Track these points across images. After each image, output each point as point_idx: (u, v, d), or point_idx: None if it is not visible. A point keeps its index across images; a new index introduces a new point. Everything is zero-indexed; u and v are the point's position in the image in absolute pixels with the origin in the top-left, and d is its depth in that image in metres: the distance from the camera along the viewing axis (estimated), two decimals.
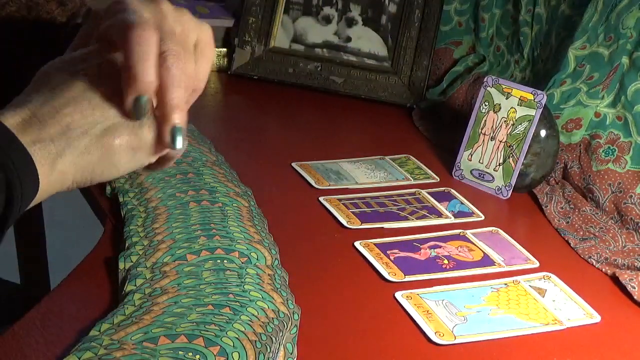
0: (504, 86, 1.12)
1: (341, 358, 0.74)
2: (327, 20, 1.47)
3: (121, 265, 0.81)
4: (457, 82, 1.40)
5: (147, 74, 0.56)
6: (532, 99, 1.09)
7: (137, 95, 0.56)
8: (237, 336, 0.68)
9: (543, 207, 1.08)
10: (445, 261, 0.92)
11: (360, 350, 0.75)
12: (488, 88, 1.14)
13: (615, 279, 0.92)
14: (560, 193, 1.12)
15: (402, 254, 0.92)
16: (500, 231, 1.00)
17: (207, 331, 0.68)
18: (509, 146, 1.11)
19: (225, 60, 1.49)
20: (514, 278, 0.90)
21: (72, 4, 0.82)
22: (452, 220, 1.02)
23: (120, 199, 0.94)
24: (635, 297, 0.88)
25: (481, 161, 1.13)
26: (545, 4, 1.31)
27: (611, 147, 1.11)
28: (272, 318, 0.73)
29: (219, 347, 0.67)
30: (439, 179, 1.15)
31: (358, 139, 1.33)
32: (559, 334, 0.81)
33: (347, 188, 1.09)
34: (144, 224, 0.88)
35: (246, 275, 0.79)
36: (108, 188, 0.98)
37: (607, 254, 0.96)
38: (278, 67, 1.47)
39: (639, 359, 0.79)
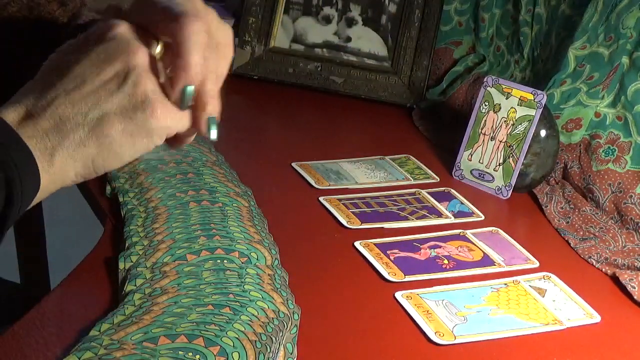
0: (504, 86, 1.12)
1: (341, 358, 0.74)
2: (327, 20, 1.47)
3: (121, 265, 0.81)
4: (457, 82, 1.40)
5: (199, 65, 0.57)
6: (532, 99, 1.09)
7: (187, 84, 0.57)
8: (237, 336, 0.68)
9: (543, 207, 1.08)
10: (445, 261, 0.92)
11: (360, 350, 0.75)
12: (488, 88, 1.13)
13: (615, 279, 0.92)
14: (560, 193, 1.12)
15: (402, 254, 0.92)
16: (500, 231, 1.00)
17: (207, 331, 0.68)
18: (509, 146, 1.11)
19: None
20: (514, 278, 0.90)
21: (72, 4, 0.82)
22: (452, 220, 1.02)
23: (120, 199, 0.94)
24: (635, 297, 0.88)
25: (481, 161, 1.13)
26: (545, 4, 1.31)
27: (611, 147, 1.11)
28: (272, 318, 0.73)
29: (219, 347, 0.67)
30: (439, 179, 1.15)
31: (358, 139, 1.33)
32: (559, 334, 0.81)
33: (347, 188, 1.09)
34: (144, 224, 0.88)
35: (246, 275, 0.79)
36: (108, 188, 0.98)
37: (607, 254, 0.96)
38: (278, 67, 1.47)
39: (639, 359, 0.79)
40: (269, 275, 0.81)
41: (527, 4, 1.34)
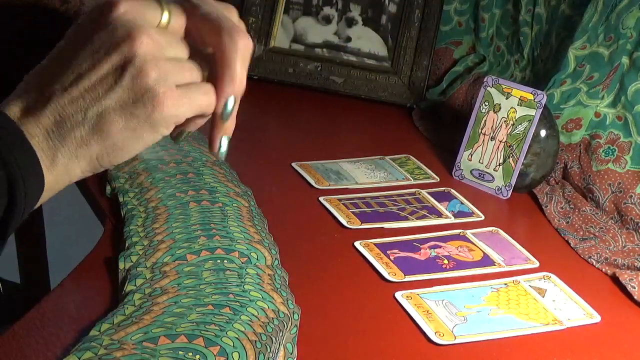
0: (504, 86, 1.12)
1: (341, 358, 0.74)
2: (327, 20, 1.47)
3: (121, 265, 0.81)
4: (457, 82, 1.39)
5: (244, 79, 0.58)
6: (532, 99, 1.09)
7: (233, 95, 0.57)
8: (237, 336, 0.68)
9: (543, 207, 1.08)
10: (445, 261, 0.92)
11: (360, 350, 0.75)
12: (488, 88, 1.13)
13: (615, 279, 0.92)
14: (560, 193, 1.12)
15: (402, 254, 0.92)
16: (500, 231, 1.00)
17: (207, 331, 0.68)
18: (509, 146, 1.11)
19: None
20: (514, 278, 0.90)
21: (74, 1, 0.82)
22: (452, 220, 1.02)
23: (120, 199, 0.94)
24: (635, 297, 0.88)
25: (481, 161, 1.13)
26: (545, 4, 1.31)
27: (611, 147, 1.11)
28: (272, 318, 0.73)
29: (219, 347, 0.67)
30: (439, 179, 1.15)
31: (358, 139, 1.33)
32: (559, 334, 0.81)
33: (347, 188, 1.09)
34: (144, 224, 0.88)
35: (246, 275, 0.79)
36: (108, 188, 0.98)
37: (607, 254, 0.96)
38: (278, 67, 1.47)
39: (639, 359, 0.79)
40: (269, 275, 0.81)
41: (527, 4, 1.34)
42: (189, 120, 0.59)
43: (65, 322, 0.74)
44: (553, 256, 0.96)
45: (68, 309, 0.76)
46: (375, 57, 1.46)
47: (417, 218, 1.02)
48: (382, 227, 0.98)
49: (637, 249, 0.99)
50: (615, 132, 1.12)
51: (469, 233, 0.99)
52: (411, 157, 1.21)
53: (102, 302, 0.77)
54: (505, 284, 0.88)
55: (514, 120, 1.10)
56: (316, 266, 0.89)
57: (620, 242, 1.01)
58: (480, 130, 1.14)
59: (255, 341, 0.68)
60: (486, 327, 0.80)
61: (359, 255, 0.92)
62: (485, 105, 1.14)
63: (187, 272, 0.79)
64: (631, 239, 1.02)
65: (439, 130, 1.32)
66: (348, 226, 0.97)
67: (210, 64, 0.59)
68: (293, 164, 1.14)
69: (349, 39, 1.46)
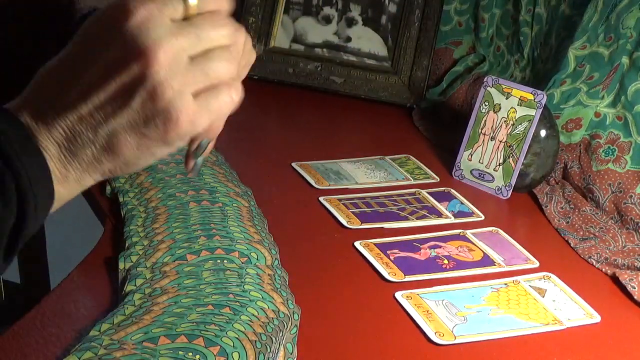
0: (504, 86, 1.12)
1: (341, 358, 0.74)
2: (327, 20, 1.47)
3: (121, 265, 0.81)
4: (457, 82, 1.39)
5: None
6: (532, 99, 1.09)
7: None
8: (237, 336, 0.68)
9: (543, 207, 1.08)
10: (445, 261, 0.92)
11: (360, 350, 0.75)
12: (488, 88, 1.13)
13: (615, 279, 0.92)
14: (560, 193, 1.12)
15: (402, 254, 0.92)
16: (500, 231, 1.00)
17: (207, 331, 0.68)
18: (509, 146, 1.11)
19: None
20: (514, 278, 0.90)
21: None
22: (452, 220, 1.02)
23: (120, 199, 0.94)
24: (635, 297, 0.88)
25: (481, 161, 1.13)
26: (545, 4, 1.31)
27: (611, 147, 1.11)
28: (272, 318, 0.73)
29: (219, 347, 0.67)
30: (439, 179, 1.15)
31: (358, 139, 1.33)
32: (559, 334, 0.81)
33: (347, 188, 1.09)
34: (144, 224, 0.88)
35: (246, 275, 0.79)
36: (108, 188, 0.98)
37: (607, 254, 0.96)
38: (278, 67, 1.47)
39: (639, 359, 0.79)
40: (269, 275, 0.81)
41: (527, 4, 1.34)
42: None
43: (65, 322, 0.74)
44: (553, 256, 0.96)
45: (68, 309, 0.76)
46: (375, 57, 1.46)
47: (417, 218, 1.02)
48: (382, 227, 0.98)
49: (637, 249, 0.99)
50: (615, 132, 1.12)
51: (469, 233, 0.99)
52: (411, 157, 1.21)
53: (102, 302, 0.77)
54: (505, 284, 0.88)
55: (514, 120, 1.10)
56: (316, 266, 0.89)
57: (620, 242, 1.01)
58: (480, 130, 1.14)
59: (255, 341, 0.68)
60: (486, 327, 0.80)
61: (359, 255, 0.92)
62: (485, 105, 1.14)
63: (187, 272, 0.79)
64: (631, 239, 1.02)
65: (439, 130, 1.32)
66: (348, 226, 0.97)
67: None
68: (293, 164, 1.14)
69: (349, 39, 1.46)
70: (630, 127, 1.10)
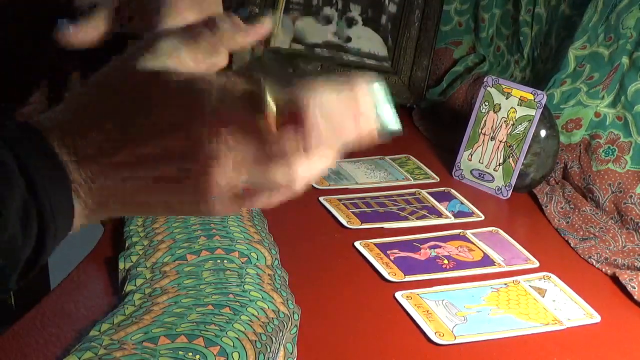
0: (504, 86, 1.12)
1: (341, 358, 0.74)
2: (327, 20, 1.47)
3: (121, 265, 0.81)
4: (457, 82, 1.39)
5: None
6: (532, 99, 1.09)
7: None
8: (237, 336, 0.68)
9: (543, 207, 1.08)
10: (445, 261, 0.92)
11: (360, 350, 0.75)
12: (488, 88, 1.13)
13: (615, 279, 0.92)
14: (560, 193, 1.12)
15: (402, 254, 0.92)
16: (500, 231, 1.00)
17: (207, 331, 0.68)
18: (509, 146, 1.11)
19: None
20: (514, 278, 0.90)
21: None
22: (452, 220, 1.02)
23: None
24: (635, 297, 0.88)
25: (481, 161, 1.13)
26: (545, 4, 1.31)
27: (611, 147, 1.11)
28: (272, 318, 0.73)
29: (219, 347, 0.67)
30: (439, 179, 1.15)
31: None
32: (559, 334, 0.81)
33: (347, 188, 1.09)
34: (144, 224, 0.88)
35: (246, 275, 0.79)
36: None
37: (607, 254, 0.96)
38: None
39: (639, 359, 0.79)
40: (269, 275, 0.81)
41: (527, 4, 1.34)
42: None
43: (65, 322, 0.74)
44: (553, 256, 0.96)
45: (68, 309, 0.76)
46: (375, 57, 1.46)
47: (417, 218, 1.02)
48: (382, 227, 0.98)
49: (637, 249, 0.99)
50: (615, 132, 1.12)
51: (469, 233, 0.99)
52: (411, 157, 1.21)
53: (102, 302, 0.77)
54: (505, 284, 0.88)
55: (514, 120, 1.10)
56: (316, 266, 0.89)
57: (620, 242, 1.01)
58: (480, 130, 1.14)
59: (255, 341, 0.68)
60: (486, 327, 0.80)
61: (359, 255, 0.92)
62: (485, 105, 1.14)
63: (187, 272, 0.79)
64: (631, 239, 1.01)
65: (439, 130, 1.32)
66: (348, 226, 0.97)
67: None
68: None
69: (349, 39, 1.46)
70: (630, 127, 1.10)
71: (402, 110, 1.42)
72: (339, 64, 1.46)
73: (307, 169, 0.49)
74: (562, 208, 1.08)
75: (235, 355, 0.66)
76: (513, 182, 1.10)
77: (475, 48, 1.45)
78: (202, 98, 0.47)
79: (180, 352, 0.65)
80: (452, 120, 1.34)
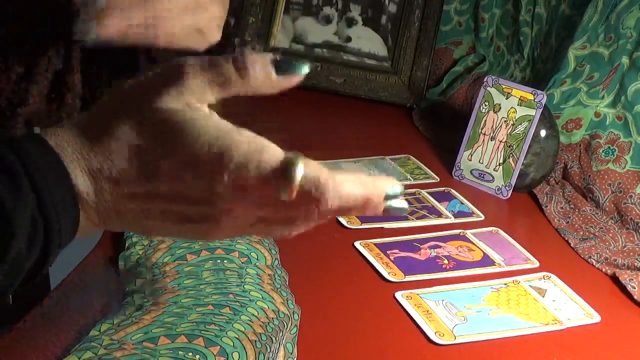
0: (504, 86, 1.12)
1: (341, 358, 0.74)
2: (327, 20, 1.47)
3: (121, 265, 0.81)
4: (457, 82, 1.40)
5: None
6: (532, 99, 1.09)
7: None
8: (237, 336, 0.68)
9: (543, 207, 1.08)
10: (445, 261, 0.92)
11: (360, 350, 0.75)
12: (488, 88, 1.13)
13: (615, 279, 0.92)
14: (560, 193, 1.12)
15: (402, 254, 0.92)
16: (500, 231, 1.00)
17: (207, 331, 0.68)
18: (509, 146, 1.11)
19: None
20: (514, 278, 0.90)
21: None
22: (452, 220, 1.02)
23: None
24: (635, 297, 0.88)
25: (481, 161, 1.13)
26: (545, 4, 1.31)
27: (611, 147, 1.11)
28: (272, 318, 0.73)
29: (219, 347, 0.67)
30: (439, 179, 1.15)
31: (358, 139, 1.33)
32: (559, 334, 0.81)
33: None
34: None
35: (246, 275, 0.79)
36: None
37: (607, 254, 0.96)
38: None
39: (639, 359, 0.79)
40: (269, 275, 0.81)
41: (527, 4, 1.34)
42: None
43: (65, 322, 0.74)
44: (553, 256, 0.96)
45: (68, 309, 0.76)
46: (375, 57, 1.46)
47: (417, 218, 1.02)
48: (382, 227, 0.98)
49: (637, 249, 0.99)
50: (615, 132, 1.12)
51: (469, 233, 0.99)
52: (411, 157, 1.21)
53: (102, 302, 0.77)
54: (505, 284, 0.88)
55: (514, 120, 1.10)
56: (316, 266, 0.89)
57: (620, 242, 1.01)
58: (480, 130, 1.14)
59: (255, 341, 0.68)
60: (486, 327, 0.80)
61: (359, 255, 0.92)
62: (485, 105, 1.14)
63: (187, 272, 0.79)
64: (631, 239, 1.01)
65: (439, 130, 1.32)
66: (348, 226, 0.97)
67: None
68: None
69: (349, 39, 1.46)
70: (630, 127, 1.10)
71: (402, 110, 1.42)
72: (339, 64, 1.46)
73: (305, 227, 0.53)
74: (562, 208, 1.08)
75: (235, 355, 0.66)
76: (513, 182, 1.10)
77: (475, 48, 1.45)
78: (229, 155, 0.47)
79: (180, 352, 0.65)
80: (452, 120, 1.34)
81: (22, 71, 0.77)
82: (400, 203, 0.51)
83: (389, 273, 0.88)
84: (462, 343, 0.77)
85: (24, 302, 0.72)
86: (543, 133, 1.10)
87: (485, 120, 1.13)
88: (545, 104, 1.08)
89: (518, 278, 0.90)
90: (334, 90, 1.45)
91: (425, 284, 0.87)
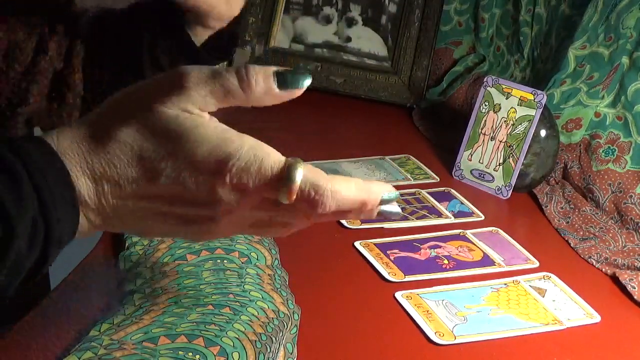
0: (504, 86, 1.12)
1: (341, 358, 0.74)
2: (327, 20, 1.47)
3: (121, 265, 0.81)
4: (457, 82, 1.40)
5: None
6: (532, 99, 1.09)
7: None
8: (237, 336, 0.68)
9: (543, 207, 1.08)
10: (445, 261, 0.92)
11: (360, 351, 0.75)
12: (488, 88, 1.13)
13: (615, 279, 0.92)
14: (560, 193, 1.12)
15: (402, 254, 0.92)
16: (500, 231, 1.00)
17: (207, 331, 0.68)
18: (509, 146, 1.11)
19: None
20: (514, 278, 0.90)
21: None
22: (452, 220, 1.02)
23: None
24: (635, 297, 0.88)
25: (481, 161, 1.13)
26: (545, 4, 1.31)
27: (611, 147, 1.11)
28: (272, 318, 0.73)
29: (219, 347, 0.67)
30: (439, 179, 1.15)
31: (358, 139, 1.33)
32: (559, 334, 0.81)
33: None
34: None
35: (246, 275, 0.79)
36: None
37: (607, 254, 0.96)
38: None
39: (639, 359, 0.79)
40: (269, 275, 0.81)
41: (527, 4, 1.34)
42: None
43: (65, 322, 0.74)
44: (553, 256, 0.96)
45: (68, 309, 0.76)
46: (375, 57, 1.46)
47: (417, 218, 1.02)
48: (382, 227, 0.98)
49: (637, 249, 0.99)
50: (615, 132, 1.12)
51: (469, 233, 0.99)
52: (411, 157, 1.21)
53: (102, 302, 0.77)
54: (505, 284, 0.88)
55: (514, 120, 1.10)
56: (316, 266, 0.89)
57: (620, 242, 1.01)
58: (480, 130, 1.14)
59: (255, 341, 0.68)
60: (486, 327, 0.80)
61: (359, 255, 0.92)
62: (485, 105, 1.14)
63: (187, 272, 0.79)
64: (631, 239, 1.02)
65: (439, 130, 1.33)
66: (348, 226, 0.97)
67: None
68: None
69: (349, 39, 1.46)
70: (630, 127, 1.10)
71: (402, 110, 1.42)
72: (339, 64, 1.46)
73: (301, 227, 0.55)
74: (562, 208, 1.08)
75: (235, 355, 0.66)
76: (513, 182, 1.10)
77: (475, 48, 1.45)
78: (230, 160, 0.49)
79: (180, 352, 0.65)
80: (452, 120, 1.34)
81: (22, 71, 0.77)
82: (394, 207, 0.54)
83: (389, 273, 0.88)
84: (462, 343, 0.77)
85: (24, 302, 0.72)
86: (543, 133, 1.10)
87: (485, 120, 1.13)
88: (545, 104, 1.08)
89: (518, 278, 0.90)
90: (334, 90, 1.45)
91: (425, 284, 0.87)
